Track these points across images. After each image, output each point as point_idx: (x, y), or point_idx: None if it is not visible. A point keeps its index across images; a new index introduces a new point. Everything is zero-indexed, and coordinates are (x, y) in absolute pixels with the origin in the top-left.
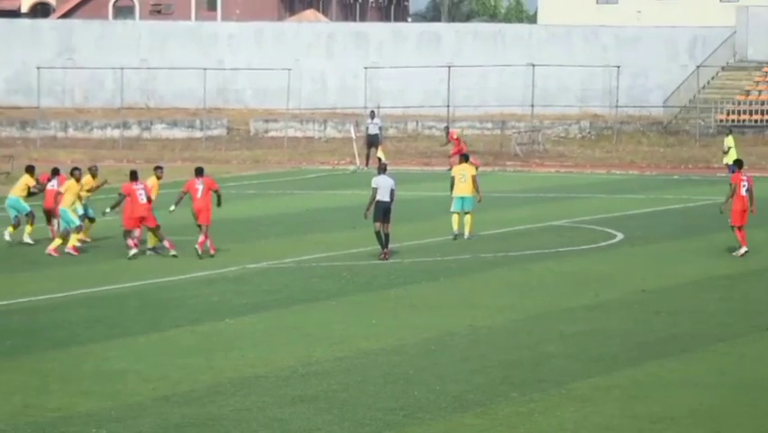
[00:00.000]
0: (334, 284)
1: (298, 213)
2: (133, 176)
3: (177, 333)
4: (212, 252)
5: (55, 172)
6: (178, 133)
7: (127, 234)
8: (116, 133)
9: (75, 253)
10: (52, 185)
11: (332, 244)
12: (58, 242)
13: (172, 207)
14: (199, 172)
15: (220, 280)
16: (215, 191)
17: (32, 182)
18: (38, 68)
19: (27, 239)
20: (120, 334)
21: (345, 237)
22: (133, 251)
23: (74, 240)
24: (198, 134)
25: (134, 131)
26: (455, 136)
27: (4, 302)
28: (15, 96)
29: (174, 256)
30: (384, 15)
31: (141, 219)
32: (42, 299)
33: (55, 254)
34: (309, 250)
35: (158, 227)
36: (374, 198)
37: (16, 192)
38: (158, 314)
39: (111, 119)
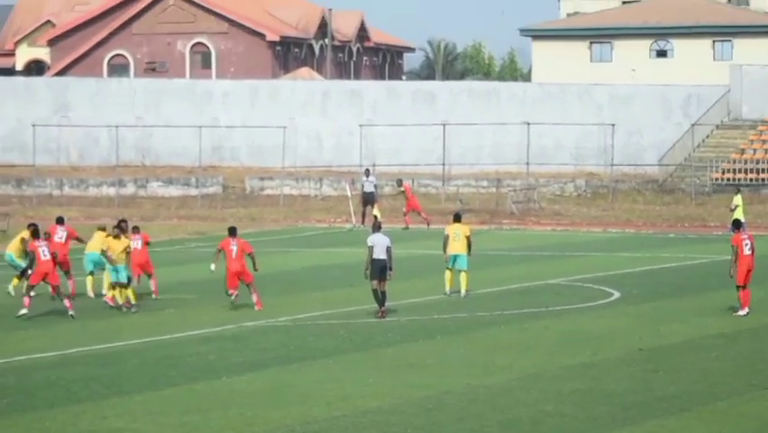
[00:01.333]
0: (331, 342)
1: (295, 271)
2: (34, 233)
3: (173, 391)
4: (258, 307)
5: (60, 221)
6: (174, 191)
7: (30, 288)
8: (112, 190)
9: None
10: (60, 237)
11: (328, 302)
12: (111, 291)
13: (213, 267)
14: (232, 232)
15: (217, 338)
16: (249, 254)
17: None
18: (33, 125)
19: (11, 289)
20: (116, 392)
21: (342, 295)
22: (24, 310)
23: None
24: (194, 192)
25: (130, 189)
26: (410, 191)
27: (1, 360)
28: (11, 153)
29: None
30: (378, 74)
31: (45, 275)
32: (38, 358)
33: (111, 303)
34: (306, 308)
35: (57, 285)
36: (371, 256)
37: (12, 248)
38: (154, 372)
39: (106, 177)
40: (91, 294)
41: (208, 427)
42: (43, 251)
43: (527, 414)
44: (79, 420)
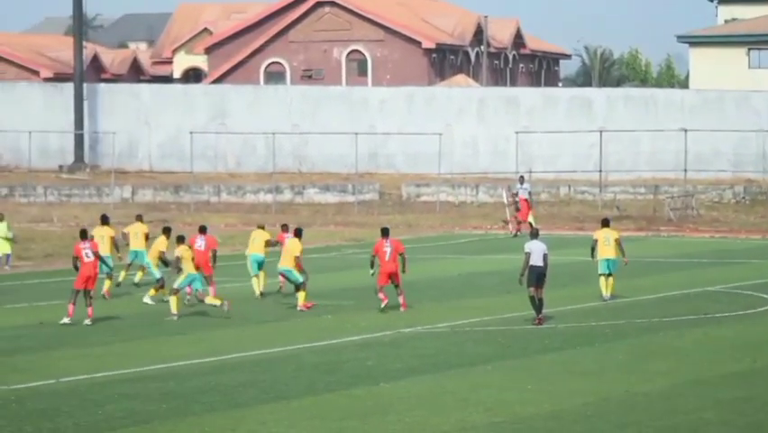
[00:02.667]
0: (489, 349)
1: (451, 277)
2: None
3: (332, 397)
4: (403, 308)
5: (202, 230)
6: (331, 198)
7: (74, 294)
8: (269, 197)
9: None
10: (199, 246)
11: (486, 309)
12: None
13: (372, 271)
14: (386, 233)
15: (375, 344)
16: (401, 254)
17: (163, 246)
18: (191, 132)
19: (148, 300)
20: (274, 398)
21: (499, 302)
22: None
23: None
24: (351, 199)
25: (287, 195)
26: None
27: (160, 366)
28: (169, 160)
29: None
30: (534, 80)
31: (88, 279)
32: (196, 363)
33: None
34: (463, 314)
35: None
36: (527, 262)
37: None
38: (312, 378)
39: (263, 183)
40: (258, 295)
41: (367, 432)
42: (87, 253)
43: (686, 421)
44: (238, 425)
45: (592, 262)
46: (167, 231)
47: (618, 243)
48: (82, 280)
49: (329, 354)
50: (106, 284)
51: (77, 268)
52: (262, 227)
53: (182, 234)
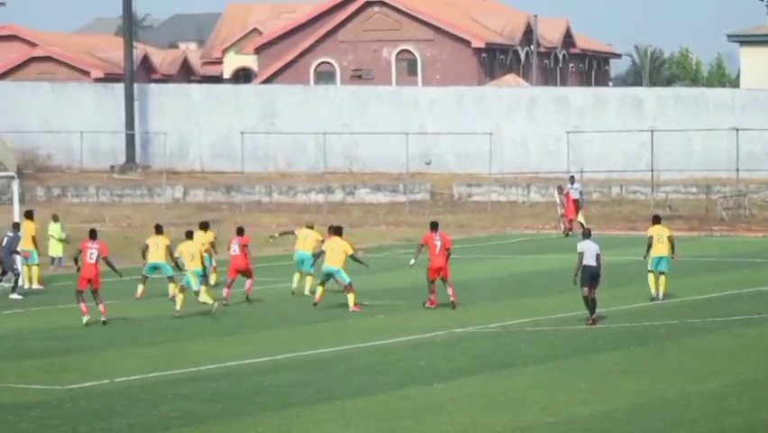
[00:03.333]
0: (542, 349)
1: (503, 277)
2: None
3: (385, 397)
4: (453, 299)
5: (240, 232)
6: (382, 198)
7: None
8: (320, 197)
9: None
10: (234, 250)
11: (537, 309)
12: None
13: (412, 261)
14: (435, 227)
15: (427, 344)
16: (448, 249)
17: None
18: (241, 133)
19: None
20: (327, 398)
21: (551, 302)
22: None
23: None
24: (402, 199)
25: (338, 195)
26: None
27: (212, 366)
28: (220, 160)
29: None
30: (584, 80)
31: (89, 280)
32: (249, 363)
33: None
34: (515, 314)
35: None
36: (581, 262)
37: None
38: (365, 378)
39: (314, 183)
40: (308, 292)
41: (421, 432)
42: (91, 253)
43: (741, 422)
44: (292, 425)
45: (644, 260)
46: (204, 226)
47: (671, 240)
48: (84, 281)
49: (381, 355)
50: (171, 288)
51: (76, 261)
52: (311, 227)
53: (190, 230)
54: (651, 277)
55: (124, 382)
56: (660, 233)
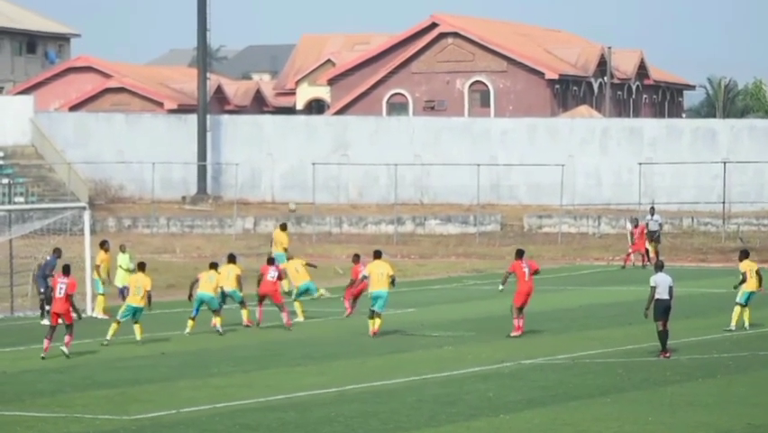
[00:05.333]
0: (610, 380)
1: (572, 309)
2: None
3: (452, 428)
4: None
5: (270, 262)
6: (452, 229)
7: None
8: (390, 228)
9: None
10: (272, 276)
11: (606, 341)
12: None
13: (501, 287)
14: (520, 255)
15: (495, 375)
16: (536, 271)
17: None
18: (313, 164)
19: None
20: (394, 429)
21: (620, 333)
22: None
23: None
24: (472, 230)
25: (408, 226)
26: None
27: (280, 396)
28: (291, 191)
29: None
30: (658, 111)
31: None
32: (317, 394)
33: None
34: (584, 346)
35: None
36: (653, 296)
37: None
38: (433, 409)
39: (385, 215)
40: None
41: None
42: (61, 288)
43: None
44: None
45: (734, 290)
46: (232, 259)
47: (759, 274)
48: (54, 316)
49: (450, 386)
50: (244, 314)
51: (49, 299)
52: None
53: (215, 261)
54: (737, 309)
55: (192, 413)
56: (751, 267)
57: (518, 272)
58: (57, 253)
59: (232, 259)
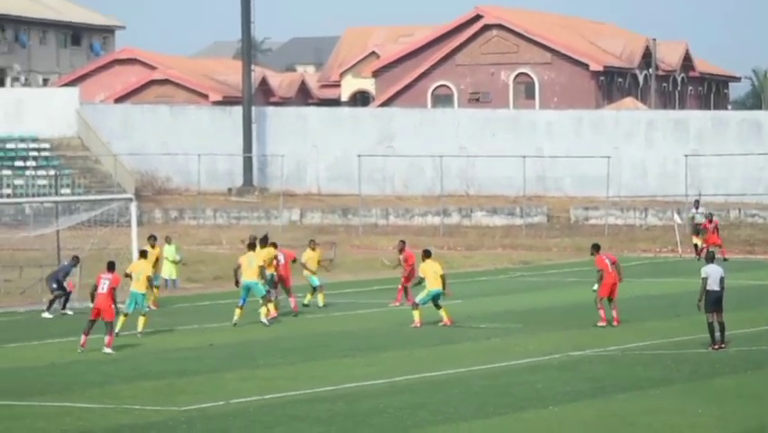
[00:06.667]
0: (659, 372)
1: (620, 300)
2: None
3: (501, 420)
4: (615, 323)
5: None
6: (498, 221)
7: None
8: (436, 220)
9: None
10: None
11: (655, 332)
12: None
13: (595, 287)
14: (597, 249)
15: (544, 367)
16: (614, 262)
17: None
18: (358, 155)
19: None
20: (443, 420)
21: (668, 325)
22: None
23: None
24: (518, 222)
25: (454, 218)
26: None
27: (330, 388)
28: (337, 183)
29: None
30: (703, 103)
31: (99, 311)
32: (366, 385)
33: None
34: (633, 338)
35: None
36: (704, 287)
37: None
38: (481, 400)
39: (431, 206)
40: (415, 324)
41: None
42: (104, 283)
43: None
44: None
45: None
46: (264, 241)
47: None
48: (96, 311)
49: (498, 377)
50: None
51: (93, 298)
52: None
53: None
54: None
55: (240, 404)
56: None
57: (602, 266)
58: (75, 260)
59: (265, 242)
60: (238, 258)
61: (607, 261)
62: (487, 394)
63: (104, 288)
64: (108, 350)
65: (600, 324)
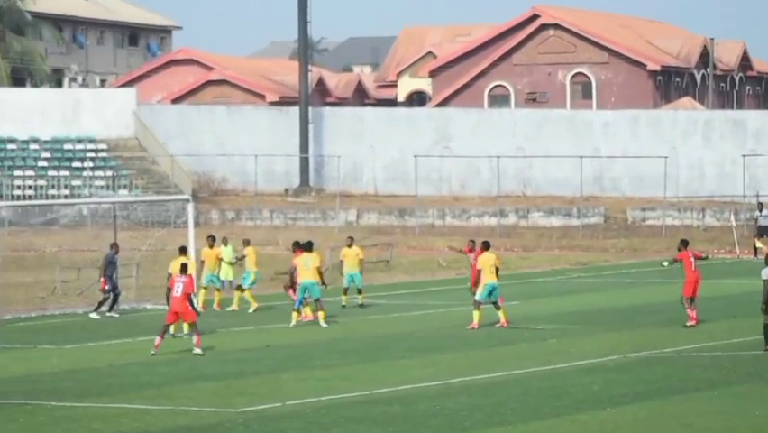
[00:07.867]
0: (716, 374)
1: (677, 302)
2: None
3: (557, 421)
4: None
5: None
6: (555, 222)
7: (165, 329)
8: (493, 221)
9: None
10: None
11: (713, 334)
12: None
13: (666, 263)
14: (686, 244)
15: (600, 368)
16: (699, 258)
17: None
18: (415, 156)
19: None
20: (499, 422)
21: (725, 326)
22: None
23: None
24: (575, 222)
25: (511, 219)
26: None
27: (386, 389)
28: (393, 184)
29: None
30: (762, 103)
31: (177, 314)
32: (422, 387)
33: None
34: (689, 339)
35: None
36: (767, 290)
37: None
38: (538, 402)
39: (488, 207)
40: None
41: None
42: (178, 287)
43: None
44: None
45: None
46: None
47: None
48: (172, 315)
49: (554, 379)
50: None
51: (168, 300)
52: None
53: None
54: None
55: (297, 405)
56: None
57: (686, 262)
58: (115, 248)
59: (307, 247)
60: (291, 261)
61: (692, 258)
62: (543, 396)
63: (178, 291)
64: (198, 350)
65: (690, 323)
